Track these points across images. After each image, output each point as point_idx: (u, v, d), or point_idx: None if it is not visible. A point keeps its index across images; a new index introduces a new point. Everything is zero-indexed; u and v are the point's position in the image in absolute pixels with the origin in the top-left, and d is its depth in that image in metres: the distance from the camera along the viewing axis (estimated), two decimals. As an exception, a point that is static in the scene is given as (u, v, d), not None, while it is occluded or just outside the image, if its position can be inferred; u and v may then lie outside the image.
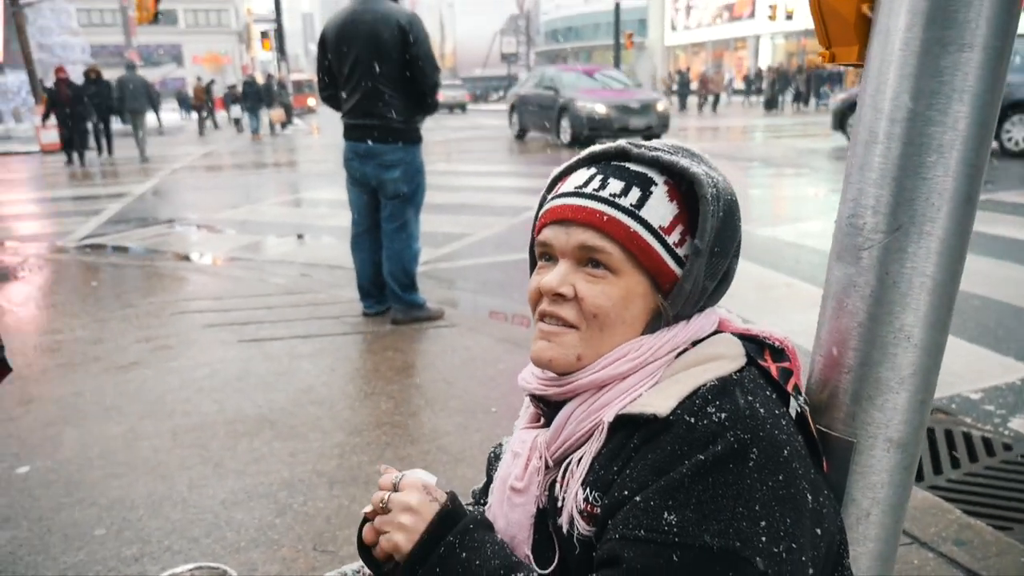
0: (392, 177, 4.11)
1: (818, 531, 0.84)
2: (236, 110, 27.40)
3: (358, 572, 1.26)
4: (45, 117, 16.16)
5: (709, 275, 0.94)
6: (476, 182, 10.87)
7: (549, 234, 0.96)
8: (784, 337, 0.99)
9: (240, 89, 26.54)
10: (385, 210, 4.24)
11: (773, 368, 0.93)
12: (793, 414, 0.91)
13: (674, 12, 50.05)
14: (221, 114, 32.00)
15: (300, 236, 7.60)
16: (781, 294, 4.93)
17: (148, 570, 2.06)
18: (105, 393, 3.36)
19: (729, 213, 0.94)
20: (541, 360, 0.95)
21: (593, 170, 0.97)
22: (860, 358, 0.98)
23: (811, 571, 0.81)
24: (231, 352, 3.89)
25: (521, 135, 18.23)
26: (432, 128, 23.83)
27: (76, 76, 17.10)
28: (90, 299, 5.08)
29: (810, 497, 0.83)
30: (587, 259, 0.93)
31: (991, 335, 3.99)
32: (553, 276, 0.94)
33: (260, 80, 25.03)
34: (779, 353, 0.97)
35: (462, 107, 39.11)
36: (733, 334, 0.97)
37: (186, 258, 6.78)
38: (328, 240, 7.33)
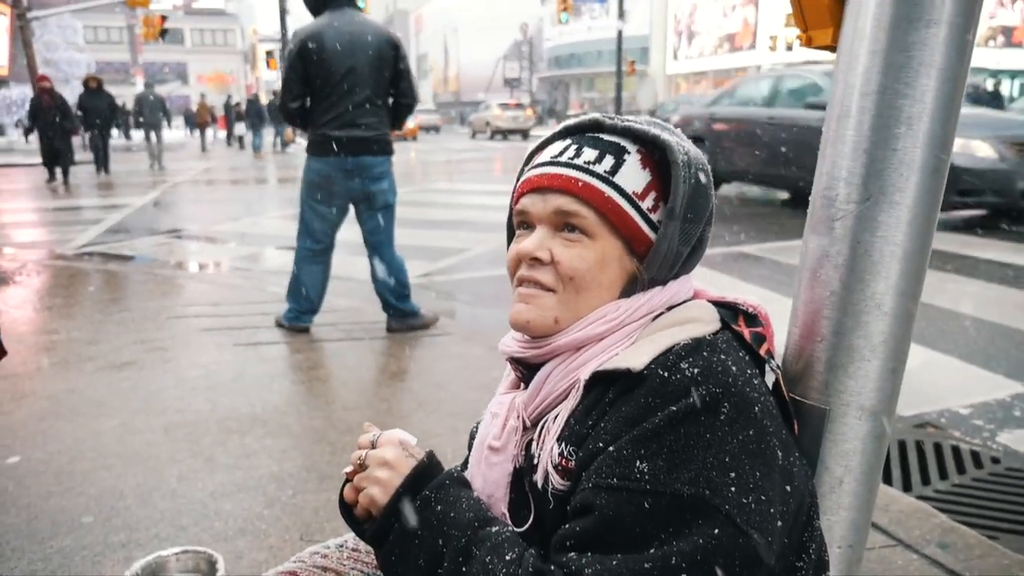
0: (382, 188, 4.13)
1: (788, 488, 0.86)
2: (240, 127, 27.61)
3: (340, 546, 1.27)
4: (28, 131, 14.61)
5: (683, 240, 0.96)
6: (474, 200, 10.96)
7: (527, 202, 0.99)
8: (758, 304, 1.02)
9: (244, 107, 26.86)
10: (372, 223, 4.19)
11: (746, 332, 0.96)
12: (767, 379, 0.94)
13: (676, 41, 50.67)
14: (223, 133, 32.27)
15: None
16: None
17: (134, 555, 2.07)
18: (98, 390, 3.37)
19: (700, 181, 0.97)
20: (519, 322, 0.98)
21: (568, 141, 1.00)
22: (833, 327, 1.01)
23: (779, 523, 0.83)
24: (226, 355, 3.91)
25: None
26: (432, 150, 24.05)
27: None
28: (87, 303, 5.10)
29: (780, 454, 0.85)
30: (563, 224, 0.96)
31: (982, 353, 4.02)
32: (530, 241, 0.97)
33: (264, 100, 25.37)
34: (752, 319, 0.99)
35: (436, 129, 45.13)
36: (708, 301, 1.00)
37: (184, 266, 6.81)
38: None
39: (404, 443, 0.97)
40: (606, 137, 0.99)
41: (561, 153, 0.99)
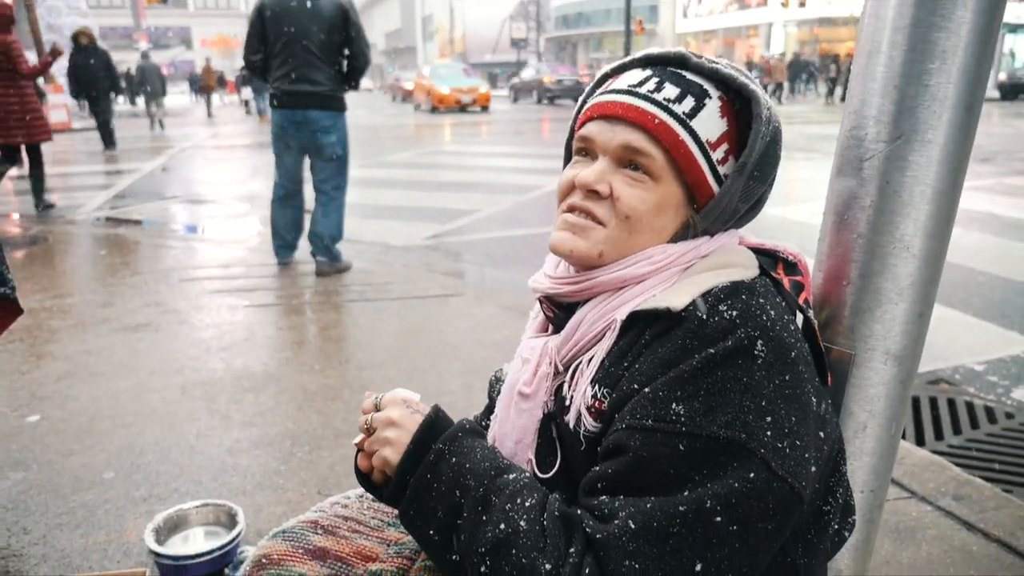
0: (331, 141, 4.49)
1: (821, 434, 0.84)
2: (247, 92, 27.40)
3: (361, 496, 1.28)
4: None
5: (744, 196, 0.93)
6: (485, 162, 10.87)
7: (593, 129, 0.94)
8: (798, 252, 0.99)
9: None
10: (320, 173, 4.63)
11: (785, 280, 0.94)
12: (802, 325, 0.91)
13: (685, -1, 49.70)
14: (232, 97, 32.03)
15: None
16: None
17: (155, 509, 2.10)
18: (114, 351, 3.39)
19: (774, 140, 0.93)
20: (562, 249, 0.93)
21: (649, 71, 0.94)
22: (860, 270, 1.00)
23: (813, 469, 0.82)
24: (238, 316, 3.92)
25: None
26: (442, 112, 23.80)
27: None
28: (99, 267, 5.12)
29: (815, 400, 0.84)
30: (628, 160, 0.91)
31: (996, 310, 3.99)
32: (591, 171, 0.92)
33: None
34: (792, 267, 0.96)
35: None
36: (748, 247, 0.98)
37: (194, 230, 6.81)
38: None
39: (408, 400, 0.95)
40: (689, 76, 0.93)
41: (641, 83, 0.93)
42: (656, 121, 0.89)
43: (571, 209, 0.94)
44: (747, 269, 0.91)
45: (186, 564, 1.74)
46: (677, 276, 0.92)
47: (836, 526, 0.90)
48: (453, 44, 68.45)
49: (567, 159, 1.02)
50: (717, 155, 0.91)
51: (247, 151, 13.94)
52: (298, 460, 2.39)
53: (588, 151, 0.95)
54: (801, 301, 0.93)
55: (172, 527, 1.88)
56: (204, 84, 26.34)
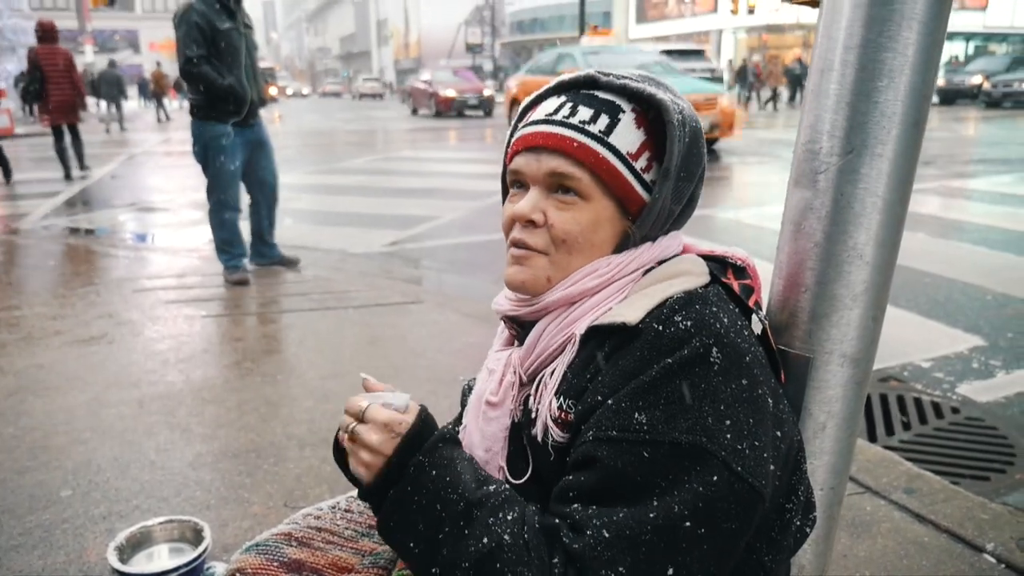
0: (193, 151, 4.65)
1: (778, 433, 0.88)
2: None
3: (333, 508, 1.28)
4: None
5: (675, 198, 0.97)
6: (442, 168, 10.86)
7: (521, 162, 0.98)
8: (746, 256, 1.04)
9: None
10: None
11: (735, 285, 0.98)
12: (756, 328, 0.96)
13: (638, 5, 50.36)
14: (176, 103, 31.44)
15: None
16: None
17: (116, 527, 2.06)
18: (68, 365, 3.31)
19: (694, 139, 0.97)
20: (513, 283, 0.99)
21: (563, 98, 0.99)
22: (816, 277, 1.04)
23: (772, 467, 0.85)
24: (196, 327, 3.86)
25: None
26: (395, 118, 23.67)
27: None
28: (49, 277, 4.98)
29: (771, 402, 0.88)
30: (557, 185, 0.95)
31: (941, 309, 4.15)
32: (525, 203, 0.97)
33: None
34: (741, 271, 1.01)
35: (379, 96, 52.05)
36: (698, 254, 1.02)
37: (146, 239, 6.66)
38: (288, 222, 7.26)
39: (389, 424, 0.91)
40: (601, 95, 0.97)
41: (556, 111, 0.97)
42: (575, 144, 0.94)
43: (514, 243, 0.99)
44: (698, 277, 0.95)
45: (152, 582, 1.71)
46: (630, 286, 0.96)
47: (798, 523, 0.94)
48: (408, 49, 68.11)
49: (504, 192, 1.06)
50: (640, 164, 0.95)
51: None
52: (263, 472, 2.37)
53: (520, 183, 1.00)
54: (751, 304, 0.97)
55: (135, 545, 1.85)
56: (156, 89, 25.78)
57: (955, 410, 2.98)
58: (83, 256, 5.60)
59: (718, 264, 1.01)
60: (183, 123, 23.06)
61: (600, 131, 0.94)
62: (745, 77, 29.37)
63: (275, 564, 1.12)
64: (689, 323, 0.87)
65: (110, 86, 21.51)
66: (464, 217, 7.16)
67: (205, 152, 4.57)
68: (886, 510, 2.16)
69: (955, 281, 4.61)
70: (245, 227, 4.99)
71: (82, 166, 10.75)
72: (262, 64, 5.05)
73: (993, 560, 1.94)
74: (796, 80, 26.11)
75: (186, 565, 1.73)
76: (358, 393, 0.99)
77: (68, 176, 10.17)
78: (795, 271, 1.06)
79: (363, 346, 3.60)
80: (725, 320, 0.89)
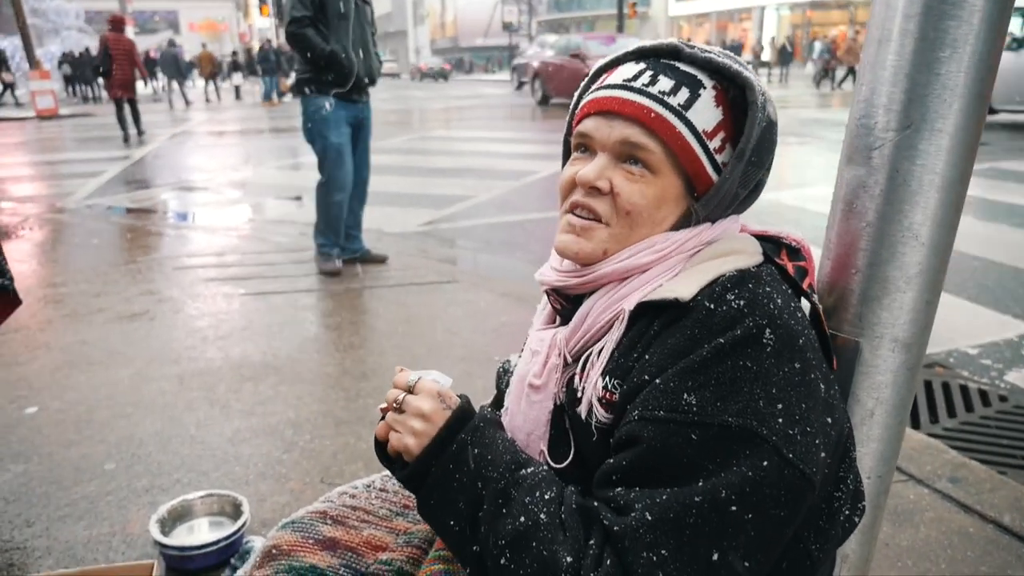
0: (304, 128, 4.33)
1: (829, 420, 0.85)
2: (237, 77, 27.22)
3: (368, 486, 1.28)
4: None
5: (743, 182, 0.93)
6: (478, 147, 10.83)
7: (591, 125, 0.94)
8: (801, 238, 1.00)
9: (240, 57, 26.57)
10: None
11: (789, 266, 0.95)
12: (807, 311, 0.92)
13: (677, -18, 49.42)
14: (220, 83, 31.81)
15: (299, 198, 7.58)
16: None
17: (158, 499, 2.10)
18: (111, 341, 3.38)
19: (771, 125, 0.93)
20: (567, 252, 0.95)
21: (643, 65, 0.95)
22: (868, 258, 1.00)
23: (823, 455, 0.82)
24: (234, 304, 3.91)
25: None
26: (431, 96, 23.66)
27: (71, 43, 17.00)
28: (92, 255, 5.09)
29: (823, 387, 0.85)
30: (627, 155, 0.92)
31: (989, 294, 4.02)
32: (591, 168, 0.93)
33: (255, 47, 25.40)
34: (795, 252, 0.98)
35: (443, 76, 45.56)
36: (752, 234, 0.99)
37: (187, 217, 6.77)
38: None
39: (443, 394, 0.94)
40: (683, 67, 0.93)
41: (635, 77, 0.93)
42: (652, 115, 0.90)
43: (573, 207, 0.95)
44: (751, 256, 0.92)
45: (192, 555, 1.75)
46: (681, 264, 0.93)
47: (847, 512, 0.91)
48: (444, 28, 67.89)
49: (565, 155, 1.03)
50: (714, 144, 0.91)
51: (242, 137, 13.85)
52: (300, 449, 2.40)
53: (587, 147, 0.96)
54: (805, 287, 0.94)
55: (176, 518, 1.89)
56: (206, 71, 25.98)
57: (1003, 398, 2.89)
58: (126, 235, 5.71)
59: (772, 244, 0.98)
60: (229, 103, 23.53)
61: (680, 104, 0.90)
62: (786, 56, 28.68)
63: (311, 541, 1.13)
64: (742, 302, 0.84)
65: (168, 66, 23.52)
66: (499, 196, 7.13)
67: (311, 128, 4.28)
68: (930, 499, 2.10)
69: (1004, 266, 4.46)
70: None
71: (139, 132, 13.22)
72: None
73: (1043, 552, 1.88)
74: None
75: (225, 539, 1.76)
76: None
77: (127, 140, 12.57)
78: (846, 252, 1.02)
79: (399, 325, 3.61)
80: (779, 301, 0.85)
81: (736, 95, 0.92)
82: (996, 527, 1.97)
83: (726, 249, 0.93)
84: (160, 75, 28.65)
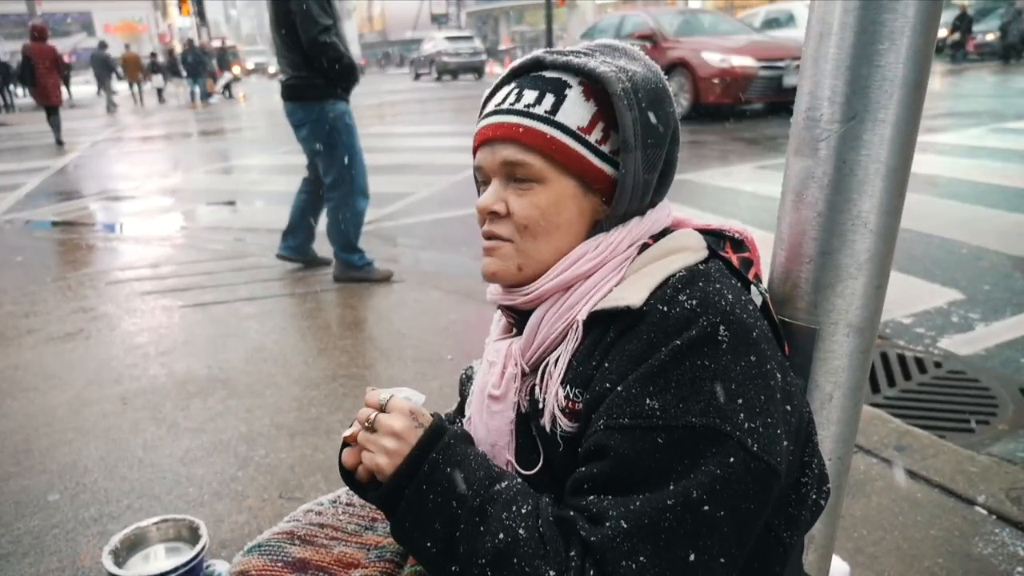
0: (302, 136, 4.10)
1: (788, 407, 0.87)
2: (158, 80, 26.29)
3: (334, 502, 1.26)
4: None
5: (647, 168, 0.94)
6: (414, 143, 10.73)
7: (480, 156, 0.99)
8: (743, 228, 1.02)
9: (160, 59, 25.72)
10: (319, 169, 4.19)
11: (734, 258, 0.97)
12: (757, 301, 0.95)
13: (603, -31, 49.75)
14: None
15: (232, 203, 7.39)
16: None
17: (109, 529, 2.02)
18: (45, 364, 3.23)
19: (654, 102, 0.93)
20: (486, 273, 0.99)
21: (512, 85, 0.98)
22: (820, 247, 1.02)
23: (786, 443, 0.84)
24: (174, 317, 3.79)
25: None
26: (363, 92, 23.28)
27: None
28: (17, 273, 4.84)
29: (779, 376, 0.87)
30: (513, 175, 0.95)
31: (919, 264, 4.19)
32: (486, 196, 0.97)
33: (178, 48, 24.66)
34: (739, 244, 1.00)
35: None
36: (694, 229, 1.00)
37: (116, 228, 6.52)
38: (261, 205, 7.16)
39: (415, 412, 0.93)
40: (548, 75, 0.96)
41: (504, 99, 0.97)
42: (521, 129, 0.93)
43: (485, 236, 0.99)
44: (696, 252, 0.94)
45: (150, 584, 1.68)
46: (624, 264, 0.95)
47: (814, 496, 0.94)
48: (372, 22, 66.91)
49: (478, 187, 1.04)
50: (595, 136, 0.93)
51: (168, 142, 13.40)
52: (255, 465, 2.34)
53: (483, 177, 1.00)
54: (751, 277, 0.96)
55: (130, 546, 1.82)
56: (132, 75, 25.02)
57: (938, 364, 3.02)
58: (52, 250, 5.46)
59: (715, 238, 0.99)
60: (153, 107, 22.73)
61: (546, 111, 0.93)
62: None
63: (279, 564, 1.10)
64: (694, 302, 0.85)
65: (99, 68, 22.86)
66: (439, 192, 7.09)
67: (331, 134, 4.00)
68: (879, 468, 2.18)
69: (931, 236, 4.66)
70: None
71: (58, 139, 13.22)
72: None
73: (985, 512, 1.98)
74: None
75: (184, 565, 1.70)
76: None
77: (59, 142, 13.09)
78: (797, 241, 1.05)
79: (347, 328, 3.56)
80: (730, 296, 0.87)
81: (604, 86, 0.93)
82: (942, 491, 2.07)
83: (670, 247, 0.94)
84: (86, 79, 27.68)
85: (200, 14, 28.85)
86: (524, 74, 0.99)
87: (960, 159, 7.16)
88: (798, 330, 1.06)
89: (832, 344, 1.05)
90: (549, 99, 0.93)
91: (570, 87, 0.94)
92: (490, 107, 0.99)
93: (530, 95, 0.94)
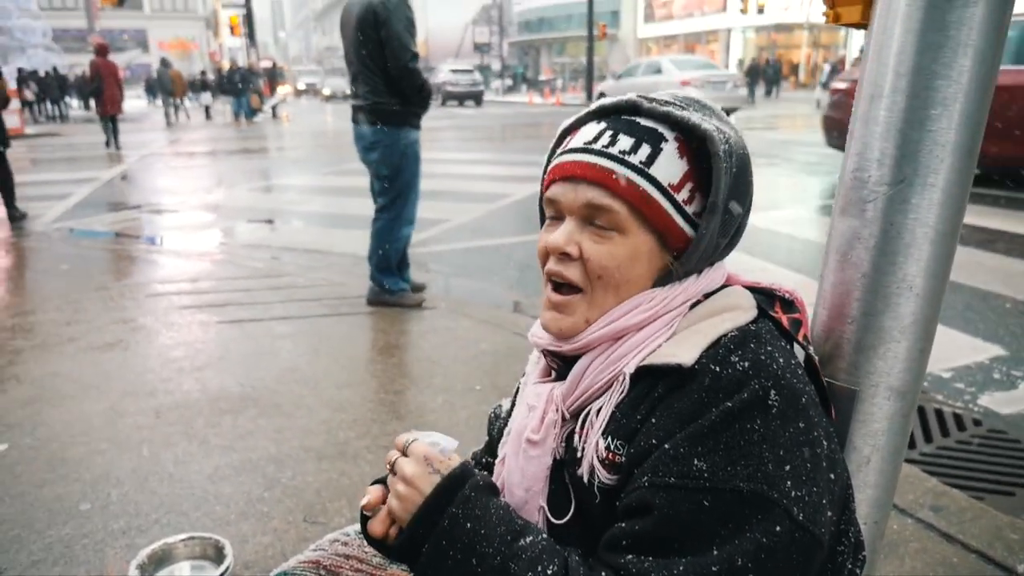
0: (372, 159, 4.14)
1: (832, 476, 0.85)
2: (206, 97, 27.05)
3: (360, 533, 1.26)
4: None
5: (722, 232, 0.94)
6: (451, 169, 10.84)
7: (557, 191, 0.95)
8: (793, 289, 1.01)
9: (210, 76, 26.53)
10: (373, 191, 4.28)
11: (784, 319, 0.95)
12: (804, 363, 0.93)
13: (646, 4, 50.26)
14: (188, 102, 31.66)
15: (271, 221, 7.52)
16: (756, 278, 5.01)
17: (136, 542, 2.04)
18: (83, 373, 3.30)
19: (742, 168, 0.93)
20: (550, 330, 0.96)
21: (603, 124, 0.95)
22: (863, 308, 1.01)
23: (829, 514, 0.83)
24: (210, 333, 3.85)
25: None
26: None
27: (37, 62, 17.53)
28: (62, 281, 4.98)
29: (825, 443, 0.85)
30: (594, 218, 0.92)
31: (960, 317, 4.10)
32: (559, 235, 0.94)
33: (225, 67, 25.75)
34: (789, 304, 0.99)
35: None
36: (744, 287, 0.99)
37: (158, 241, 6.67)
38: (299, 224, 7.29)
39: (429, 458, 0.91)
40: (643, 122, 0.94)
41: (595, 139, 0.94)
42: (614, 176, 0.90)
43: (550, 276, 0.96)
44: (747, 312, 0.93)
45: (174, 602, 1.70)
46: (676, 319, 0.94)
47: (849, 566, 0.92)
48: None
49: (542, 218, 1.03)
50: (682, 195, 0.92)
51: (212, 158, 13.71)
52: (282, 487, 2.36)
53: (556, 213, 0.97)
54: (800, 338, 0.95)
55: (157, 562, 1.84)
56: (177, 90, 25.77)
57: (977, 422, 2.94)
58: (96, 259, 5.60)
59: (765, 297, 0.99)
60: (199, 123, 23.40)
61: (641, 162, 0.91)
62: (756, 75, 29.38)
63: (305, 594, 1.11)
64: (746, 364, 0.84)
65: (163, 85, 24.44)
66: (474, 220, 7.14)
67: (402, 160, 4.09)
68: (913, 529, 2.13)
69: (975, 289, 4.56)
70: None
71: (117, 146, 14.96)
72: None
73: (1024, 581, 1.91)
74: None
75: (209, 585, 1.71)
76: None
77: (108, 144, 14.88)
78: (840, 302, 1.04)
79: (378, 353, 3.58)
80: (781, 360, 0.86)
81: (700, 144, 0.92)
82: (979, 557, 2.00)
83: (722, 306, 0.93)
84: (137, 94, 28.70)
85: (250, 35, 29.65)
86: (616, 115, 0.96)
87: (1007, 211, 7.03)
88: (838, 390, 1.05)
89: (872, 407, 1.03)
90: (645, 150, 0.91)
91: (666, 140, 0.92)
92: (576, 142, 0.95)
93: (625, 141, 0.92)
